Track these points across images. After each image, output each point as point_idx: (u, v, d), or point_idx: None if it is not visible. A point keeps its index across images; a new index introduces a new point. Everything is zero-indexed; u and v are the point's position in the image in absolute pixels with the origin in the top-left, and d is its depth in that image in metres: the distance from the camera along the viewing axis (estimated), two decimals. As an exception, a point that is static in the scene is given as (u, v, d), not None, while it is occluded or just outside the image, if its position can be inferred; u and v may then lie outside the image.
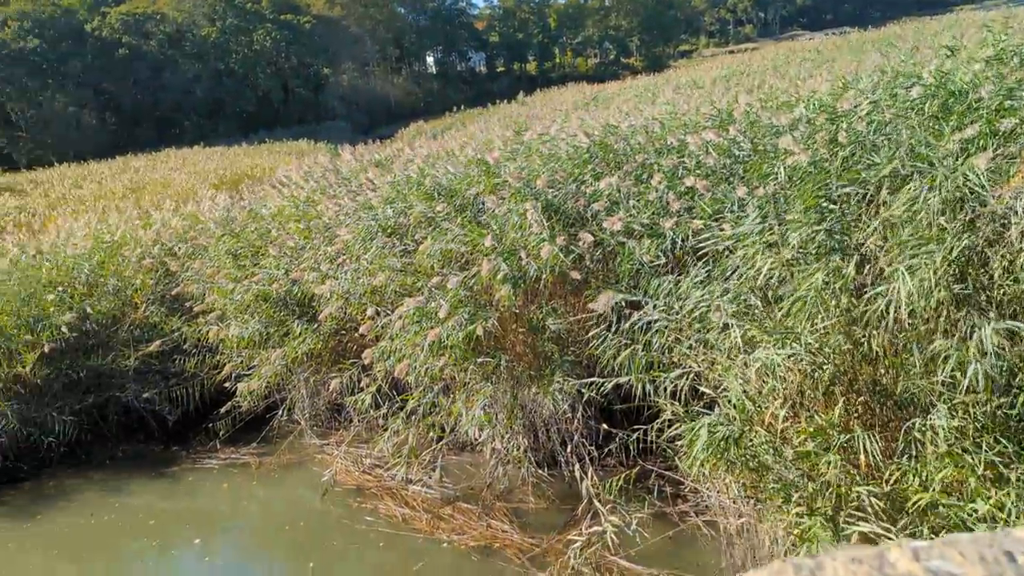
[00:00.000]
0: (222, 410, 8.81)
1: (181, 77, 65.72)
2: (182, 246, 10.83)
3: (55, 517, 7.88)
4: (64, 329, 8.92)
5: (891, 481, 4.08)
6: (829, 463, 4.04)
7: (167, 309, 9.93)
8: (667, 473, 6.20)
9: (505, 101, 44.67)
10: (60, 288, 9.56)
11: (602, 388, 5.83)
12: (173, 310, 9.87)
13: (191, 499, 7.98)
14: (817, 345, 4.39)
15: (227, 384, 8.69)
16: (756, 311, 5.02)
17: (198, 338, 9.05)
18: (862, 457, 4.14)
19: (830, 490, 4.10)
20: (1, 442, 8.44)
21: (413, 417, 6.89)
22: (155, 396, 9.18)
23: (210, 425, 9.08)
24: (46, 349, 8.71)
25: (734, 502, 5.17)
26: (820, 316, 4.54)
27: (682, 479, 5.92)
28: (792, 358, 4.33)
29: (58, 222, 14.60)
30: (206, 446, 9.04)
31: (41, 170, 39.67)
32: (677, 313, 5.39)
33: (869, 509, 3.95)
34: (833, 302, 4.50)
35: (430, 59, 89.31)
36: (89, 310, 9.42)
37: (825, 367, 4.44)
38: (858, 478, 4.10)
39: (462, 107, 51.37)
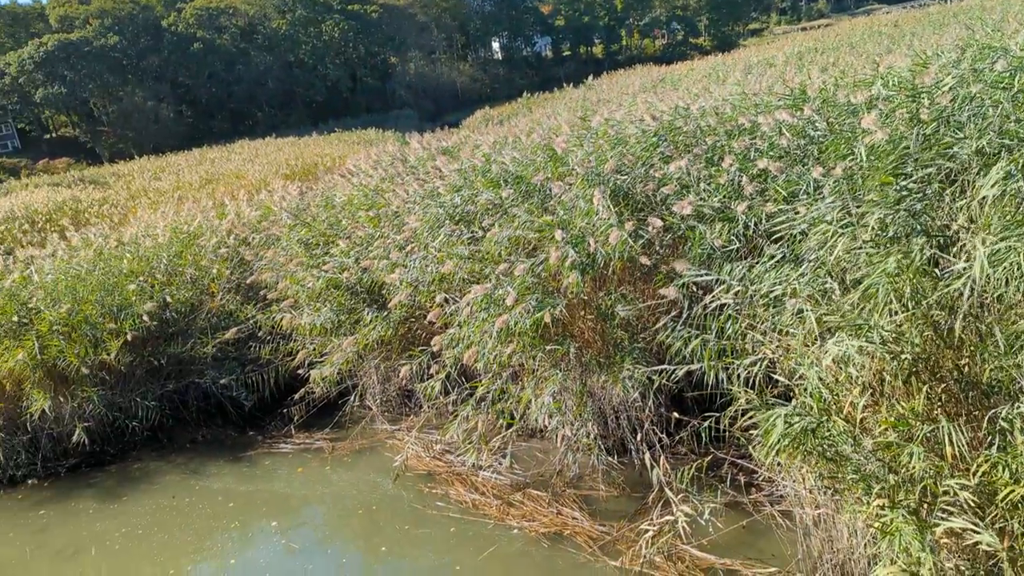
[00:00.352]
0: (296, 396, 9.00)
1: (253, 69, 67.26)
2: (256, 236, 11.08)
3: (139, 499, 8.18)
4: (145, 317, 9.22)
5: (979, 473, 3.90)
6: (912, 455, 3.88)
7: (242, 297, 10.18)
8: (740, 462, 6.08)
9: (571, 85, 44.34)
10: (141, 278, 9.88)
11: (673, 375, 5.74)
12: (248, 298, 10.11)
13: (267, 483, 8.19)
14: (893, 334, 4.22)
15: (300, 371, 8.86)
16: (832, 295, 4.86)
17: (272, 326, 9.25)
18: (948, 448, 3.97)
19: (914, 483, 3.95)
20: (89, 427, 8.78)
21: (482, 404, 6.91)
22: (232, 382, 9.43)
23: (284, 411, 9.29)
24: (129, 337, 9.01)
25: (810, 492, 5.03)
26: (897, 301, 4.37)
27: (756, 468, 5.80)
28: (874, 346, 4.17)
29: (138, 213, 15.09)
30: (281, 431, 9.25)
31: (122, 163, 41.14)
32: (751, 297, 5.25)
33: (958, 504, 3.79)
34: (909, 287, 4.32)
35: (496, 45, 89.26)
36: (169, 299, 9.71)
37: (903, 355, 4.26)
38: (945, 470, 3.93)
39: (528, 93, 51.19)
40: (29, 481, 8.88)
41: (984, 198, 4.45)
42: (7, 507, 8.37)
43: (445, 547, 6.45)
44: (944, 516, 3.81)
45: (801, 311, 4.87)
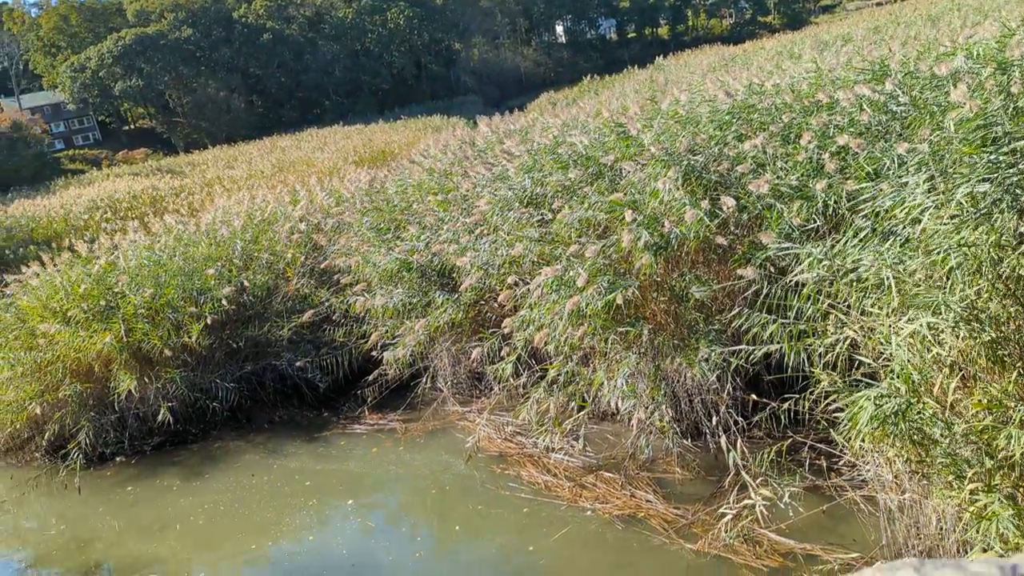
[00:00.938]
0: (369, 378, 9.15)
1: (321, 58, 68.32)
2: (328, 221, 11.27)
3: (220, 476, 8.43)
4: (224, 301, 9.48)
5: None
6: (1010, 437, 3.73)
7: (316, 281, 10.38)
8: (820, 446, 5.94)
9: (636, 67, 43.79)
10: (219, 263, 10.15)
11: (751, 356, 5.64)
12: (322, 282, 10.30)
13: (342, 462, 8.36)
14: (968, 310, 4.05)
15: (373, 353, 9.00)
16: (918, 274, 4.69)
17: (346, 309, 9.40)
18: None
19: (1011, 467, 3.80)
20: (172, 406, 9.08)
21: (554, 386, 6.91)
22: (307, 364, 9.63)
23: (358, 392, 9.46)
24: (208, 320, 9.27)
25: (895, 477, 4.89)
26: (977, 277, 4.20)
27: (836, 452, 5.66)
28: (947, 324, 4.00)
29: (215, 200, 15.50)
30: (355, 412, 9.42)
31: (197, 153, 42.34)
32: (834, 275, 5.11)
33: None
34: (990, 262, 4.13)
35: (559, 28, 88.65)
36: (246, 283, 9.96)
37: (983, 333, 4.08)
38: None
39: (593, 75, 50.76)
40: (117, 459, 9.25)
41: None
42: (98, 484, 8.74)
43: (518, 527, 6.49)
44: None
45: (885, 282, 4.72)
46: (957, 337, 4.07)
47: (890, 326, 4.58)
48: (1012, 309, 4.02)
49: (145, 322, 9.22)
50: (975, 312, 4.09)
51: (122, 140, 65.63)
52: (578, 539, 6.14)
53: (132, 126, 71.39)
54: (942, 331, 4.10)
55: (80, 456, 8.74)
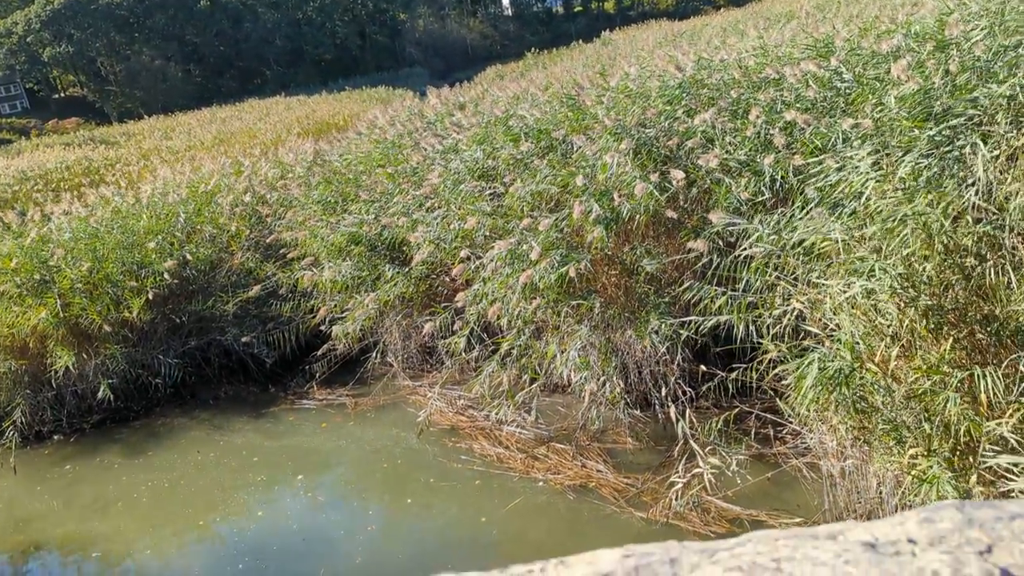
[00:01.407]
0: (318, 353, 9.06)
1: (261, 27, 66.63)
2: (273, 194, 11.06)
3: (165, 454, 8.28)
4: (166, 275, 9.26)
5: (1013, 421, 3.89)
6: (948, 401, 3.87)
7: (262, 255, 10.19)
8: (766, 415, 6.09)
9: (583, 41, 43.75)
10: (160, 236, 9.90)
11: (700, 328, 5.73)
12: (268, 256, 10.12)
13: (291, 438, 8.28)
14: (908, 274, 4.17)
15: (322, 328, 8.90)
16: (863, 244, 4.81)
17: (293, 284, 9.26)
18: (982, 396, 3.96)
19: (949, 431, 3.95)
20: (113, 383, 8.86)
21: (507, 360, 6.93)
22: (254, 340, 9.48)
23: (307, 367, 9.35)
24: (150, 295, 9.05)
25: (838, 444, 5.05)
26: (922, 244, 4.32)
27: (782, 421, 5.81)
28: (883, 289, 4.12)
29: (155, 172, 15.07)
30: (303, 388, 9.33)
31: (132, 123, 40.99)
32: (782, 248, 5.21)
33: (998, 446, 3.78)
34: (936, 229, 4.26)
35: (506, 1, 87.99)
36: (188, 257, 9.73)
37: (920, 299, 4.21)
38: (976, 418, 3.92)
39: (539, 49, 50.55)
40: (55, 437, 9.01)
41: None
42: (34, 462, 8.50)
43: (470, 499, 6.52)
44: (989, 456, 3.79)
45: (829, 253, 4.84)
46: (895, 306, 4.19)
47: (833, 295, 4.70)
48: (955, 279, 4.16)
49: (83, 297, 8.96)
50: (912, 279, 4.21)
51: (52, 109, 63.20)
52: (530, 509, 6.20)
53: (62, 94, 68.79)
54: (881, 299, 4.21)
55: (15, 435, 8.48)
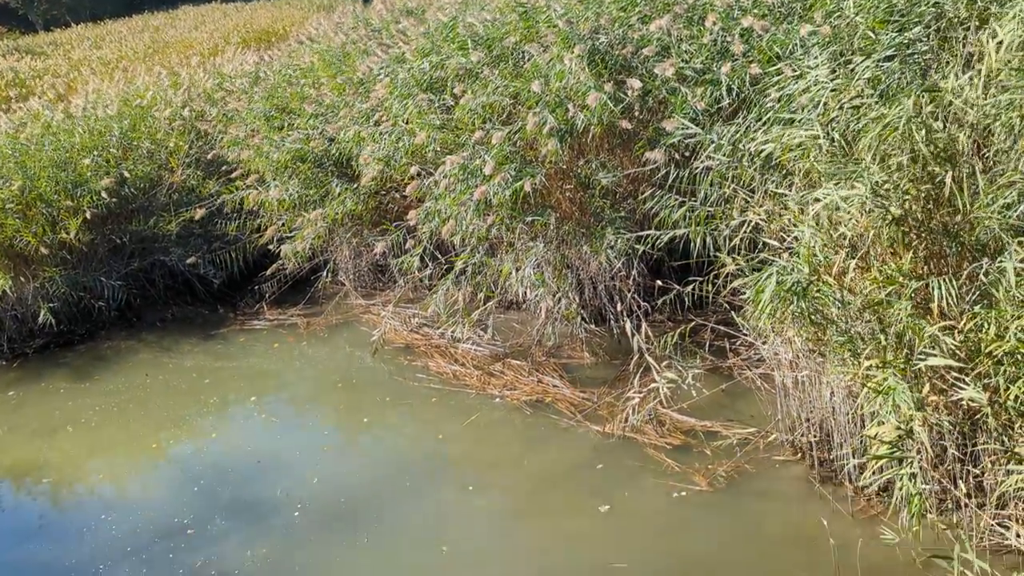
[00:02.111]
0: (267, 273, 8.84)
1: (193, -71, 62.92)
2: (213, 109, 10.59)
3: (112, 378, 8.09)
4: (103, 194, 8.87)
5: (964, 331, 3.94)
6: (902, 310, 3.90)
7: (204, 172, 9.82)
8: (720, 327, 6.12)
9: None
10: (95, 153, 9.44)
11: (657, 242, 5.69)
12: (210, 173, 9.75)
13: (243, 359, 8.14)
14: (886, 184, 4.13)
15: (270, 247, 8.67)
16: (827, 149, 4.74)
17: (238, 202, 8.94)
18: (934, 304, 3.99)
19: (903, 341, 3.99)
20: (54, 307, 8.57)
21: (462, 278, 6.83)
22: (199, 260, 9.21)
23: (256, 287, 9.15)
24: (88, 215, 8.69)
25: (793, 356, 5.10)
26: (894, 153, 4.28)
27: (736, 333, 5.85)
28: (860, 197, 4.08)
29: (87, 84, 14.31)
30: (253, 308, 9.14)
31: (59, 31, 38.72)
32: (738, 160, 5.14)
33: (942, 347, 3.83)
34: (908, 137, 4.21)
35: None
36: (126, 174, 9.32)
37: (891, 209, 4.19)
38: (929, 327, 3.96)
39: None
40: (-3, 363, 8.73)
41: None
42: (-25, 389, 8.24)
43: (427, 416, 6.51)
44: (924, 357, 3.85)
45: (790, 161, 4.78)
46: (862, 214, 4.16)
47: (798, 203, 4.66)
48: (922, 187, 4.12)
49: (15, 218, 8.55)
50: (887, 188, 4.16)
51: (-29, 18, 59.45)
52: (487, 425, 6.22)
53: (-18, 2, 64.67)
54: (850, 207, 4.17)
55: (-46, 361, 8.20)
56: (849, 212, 4.19)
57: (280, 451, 6.37)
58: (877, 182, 4.04)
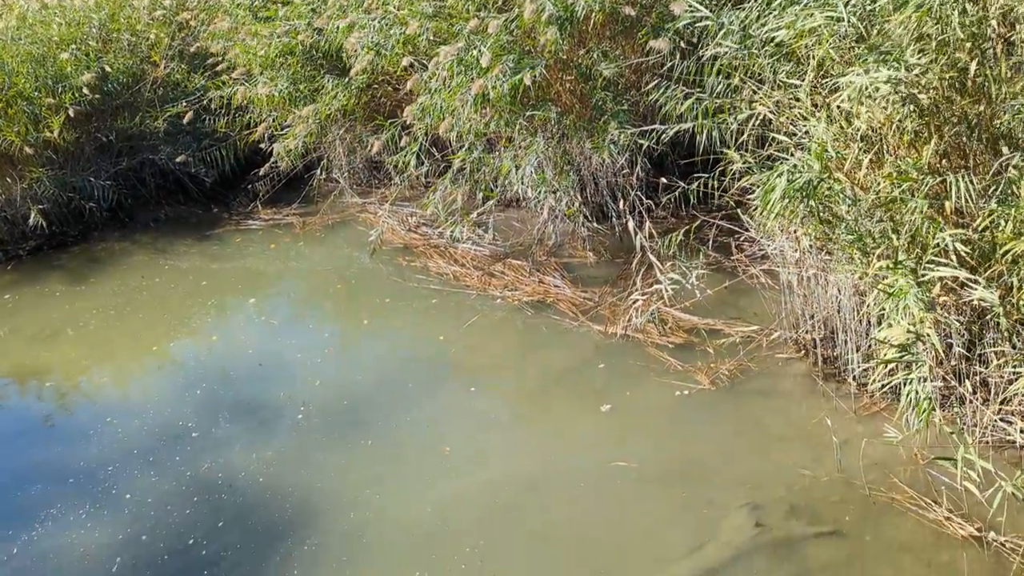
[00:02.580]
0: (260, 171, 8.63)
1: None
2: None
3: (107, 280, 8.00)
4: (85, 90, 8.55)
5: (980, 228, 3.82)
6: (916, 208, 3.76)
7: (188, 66, 9.45)
8: (725, 224, 6.00)
9: None
10: (73, 46, 9.04)
11: (663, 136, 5.49)
12: (195, 67, 9.38)
13: (239, 260, 8.03)
14: (921, 69, 3.88)
15: (262, 145, 8.43)
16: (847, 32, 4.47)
17: (226, 98, 8.62)
18: (947, 203, 3.86)
19: (915, 240, 3.88)
20: (44, 208, 8.40)
21: (459, 176, 6.64)
22: (189, 158, 8.98)
23: (249, 186, 8.95)
24: (70, 112, 8.40)
25: (799, 253, 5.00)
26: (922, 37, 4.02)
27: (741, 231, 5.73)
28: (886, 87, 3.85)
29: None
30: (247, 208, 8.97)
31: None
32: (748, 48, 4.88)
33: (953, 255, 3.72)
34: (940, 19, 3.94)
35: None
36: (108, 68, 8.96)
37: (920, 97, 3.98)
38: (943, 225, 3.84)
39: None
40: (-10, 265, 8.63)
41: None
42: (-29, 293, 8.17)
43: (427, 318, 6.47)
44: (932, 267, 3.75)
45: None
46: (887, 104, 3.95)
47: (811, 94, 4.45)
48: (948, 75, 3.90)
49: (-4, 116, 8.28)
50: (917, 74, 3.93)
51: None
52: (488, 326, 6.18)
53: None
54: (875, 95, 3.94)
55: (-53, 265, 8.09)
56: (873, 100, 3.97)
57: (281, 353, 6.35)
58: (909, 67, 3.79)
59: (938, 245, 3.77)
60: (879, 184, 4.13)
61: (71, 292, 7.90)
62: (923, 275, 3.72)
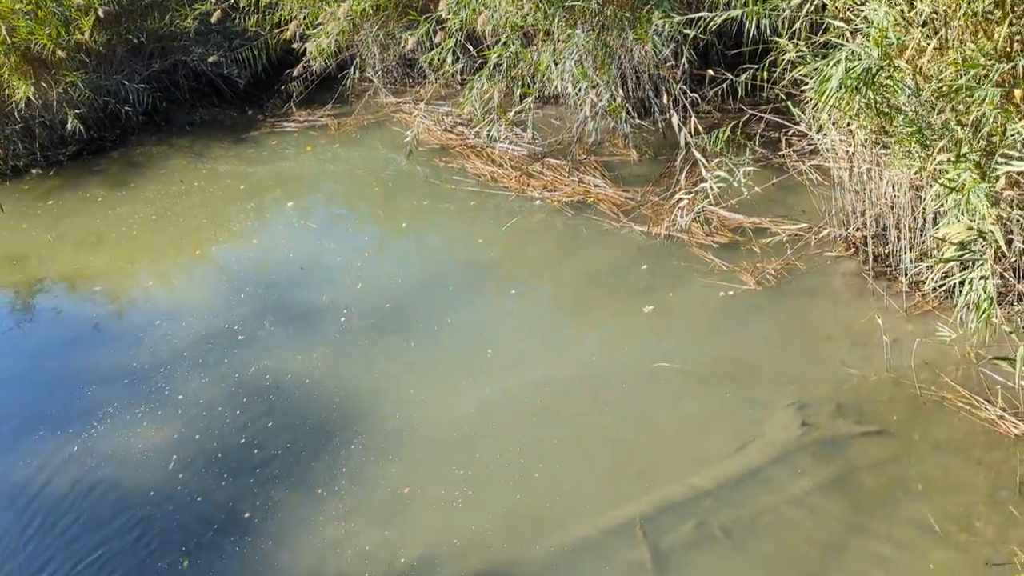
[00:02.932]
0: (293, 72, 8.45)
1: None
2: None
3: (147, 185, 8.03)
4: (112, -11, 8.40)
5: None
6: (984, 97, 3.54)
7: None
8: (774, 118, 5.75)
9: None
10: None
11: (709, 25, 5.23)
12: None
13: (276, 163, 7.98)
14: None
15: (294, 45, 8.23)
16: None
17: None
18: (1017, 91, 3.62)
19: (980, 132, 3.67)
20: (81, 113, 8.38)
21: (496, 73, 6.43)
22: (221, 59, 8.84)
23: (282, 87, 8.80)
24: (100, 13, 8.27)
25: (852, 147, 4.79)
26: None
27: (790, 124, 5.50)
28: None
29: None
30: (281, 109, 8.86)
31: None
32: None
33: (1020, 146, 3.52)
34: None
35: None
36: (134, -34, 8.74)
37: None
38: (1014, 115, 3.62)
39: None
40: (33, 171, 8.68)
41: None
42: (16, 198, 8.26)
43: (466, 220, 6.40)
44: (1004, 161, 3.55)
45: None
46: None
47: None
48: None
49: (27, 19, 8.17)
50: None
51: None
52: (527, 228, 6.09)
53: None
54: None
55: (-9, 171, 8.16)
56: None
57: (321, 257, 6.36)
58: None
59: (1009, 137, 3.56)
60: (943, 72, 3.89)
61: (112, 197, 7.95)
62: (990, 169, 3.53)
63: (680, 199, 5.42)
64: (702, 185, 5.20)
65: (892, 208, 4.66)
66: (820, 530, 3.56)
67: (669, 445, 4.12)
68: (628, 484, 3.93)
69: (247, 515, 4.15)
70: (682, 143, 5.70)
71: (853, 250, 5.10)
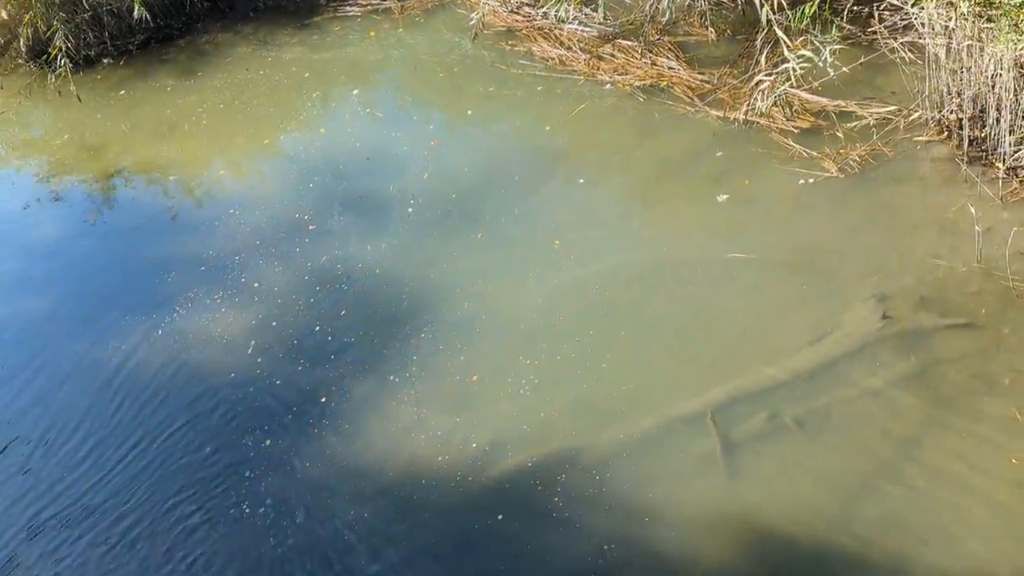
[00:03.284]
0: (354, -48, 8.21)
1: None
2: None
3: (214, 73, 8.01)
4: None
5: None
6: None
7: None
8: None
9: None
10: None
11: None
12: None
13: (340, 49, 7.84)
14: None
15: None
16: None
17: None
18: None
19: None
20: (147, 0, 8.33)
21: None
22: (283, -59, 8.62)
23: (344, -31, 8.56)
24: None
25: (952, 21, 4.42)
26: None
27: (883, -1, 5.11)
28: None
29: None
30: (343, -8, 8.65)
31: None
32: None
33: None
34: None
35: None
36: None
37: None
38: None
39: None
40: (104, 60, 8.74)
41: None
42: (90, 87, 8.34)
43: (533, 106, 6.22)
44: None
45: None
46: None
47: None
48: None
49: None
50: None
51: None
52: (597, 115, 5.90)
53: None
54: None
55: (65, 60, 8.22)
56: None
57: (387, 146, 6.30)
58: None
59: None
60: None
61: (181, 86, 7.97)
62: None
63: (760, 81, 5.14)
64: (784, 66, 4.91)
65: (993, 88, 4.33)
66: (897, 424, 3.49)
67: (743, 336, 4.05)
68: (699, 374, 3.90)
69: (324, 400, 4.29)
70: (763, 20, 5.35)
71: (946, 134, 4.80)
